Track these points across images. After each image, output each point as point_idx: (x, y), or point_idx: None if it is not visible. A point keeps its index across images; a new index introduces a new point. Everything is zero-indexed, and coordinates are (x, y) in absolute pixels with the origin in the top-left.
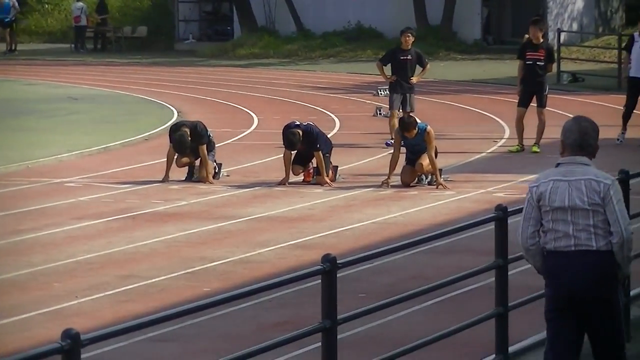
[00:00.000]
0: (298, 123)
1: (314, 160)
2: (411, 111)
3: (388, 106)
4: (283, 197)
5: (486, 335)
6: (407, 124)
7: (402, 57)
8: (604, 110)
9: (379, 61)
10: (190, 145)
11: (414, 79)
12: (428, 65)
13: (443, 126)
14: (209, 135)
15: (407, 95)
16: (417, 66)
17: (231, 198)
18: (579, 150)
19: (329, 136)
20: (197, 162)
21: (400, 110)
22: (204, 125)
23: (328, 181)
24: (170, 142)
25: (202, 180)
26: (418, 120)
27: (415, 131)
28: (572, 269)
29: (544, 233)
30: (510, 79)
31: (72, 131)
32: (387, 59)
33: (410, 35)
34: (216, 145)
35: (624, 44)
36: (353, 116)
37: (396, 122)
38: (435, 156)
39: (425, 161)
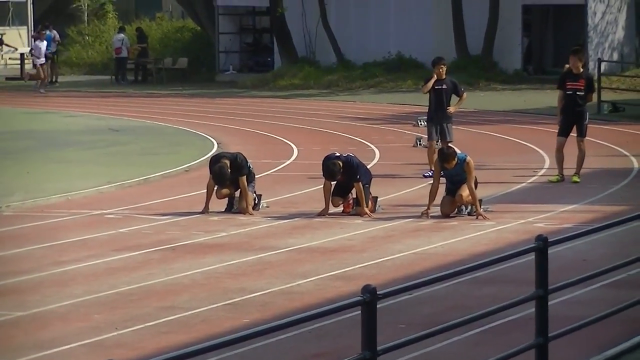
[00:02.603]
0: (338, 154)
1: (353, 191)
2: (450, 141)
3: (427, 137)
4: (323, 228)
5: None
6: (446, 155)
7: (437, 87)
8: None
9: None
10: (230, 177)
11: (452, 109)
12: (464, 94)
13: (483, 156)
14: (249, 167)
15: (445, 125)
16: (454, 95)
17: (271, 229)
18: None
19: (368, 167)
20: (237, 194)
21: (439, 141)
22: (244, 157)
23: (368, 212)
24: (210, 173)
25: (242, 211)
26: (458, 151)
27: (454, 162)
28: None
29: None
30: (550, 109)
31: (113, 163)
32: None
33: (444, 65)
34: (256, 177)
35: None
36: (393, 147)
37: (435, 152)
38: (475, 187)
39: (465, 192)
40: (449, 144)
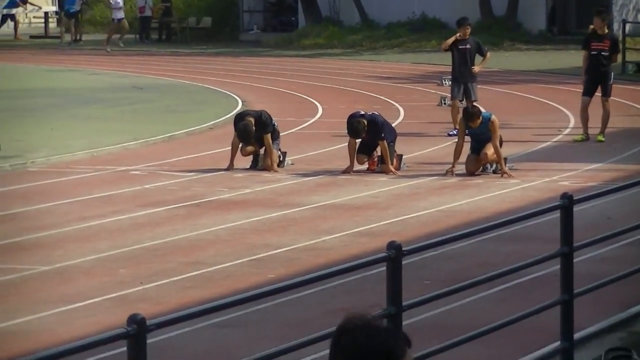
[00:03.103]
0: (363, 112)
1: (378, 149)
2: (475, 100)
3: (450, 96)
4: (347, 185)
5: (551, 323)
6: (471, 114)
7: (461, 47)
8: None
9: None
10: (254, 134)
11: (476, 68)
12: (488, 54)
13: (508, 115)
14: (274, 124)
15: (469, 84)
16: (478, 55)
17: (295, 186)
18: None
19: (393, 125)
20: (262, 151)
21: (464, 100)
22: (269, 114)
23: (393, 170)
24: (235, 131)
25: (267, 168)
26: (482, 110)
27: (479, 120)
28: None
29: None
30: (575, 69)
31: (138, 120)
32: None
33: (469, 26)
34: (281, 134)
35: None
36: (417, 106)
37: (459, 111)
38: (500, 145)
39: (490, 150)
40: (474, 103)
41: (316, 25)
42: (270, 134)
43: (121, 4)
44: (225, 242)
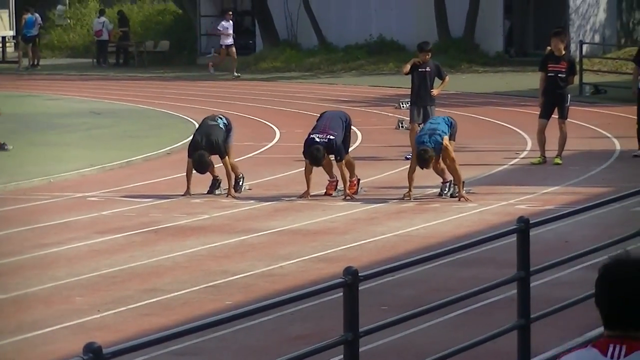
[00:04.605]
0: (318, 139)
1: (338, 174)
2: None
3: (409, 119)
4: (305, 210)
5: (508, 347)
6: (424, 159)
7: (421, 70)
8: (626, 121)
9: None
10: (210, 163)
11: (435, 92)
12: (447, 77)
13: (465, 139)
14: (228, 127)
15: (428, 107)
16: (437, 79)
17: (253, 211)
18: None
19: (350, 150)
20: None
21: (422, 124)
22: (220, 130)
23: (349, 193)
24: (189, 157)
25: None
26: (440, 133)
27: (432, 162)
28: None
29: None
30: (532, 91)
31: (95, 146)
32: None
33: (429, 52)
34: (238, 159)
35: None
36: (375, 129)
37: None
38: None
39: (441, 165)
40: (427, 149)
41: (274, 48)
42: (227, 157)
43: (230, 29)
44: (182, 268)
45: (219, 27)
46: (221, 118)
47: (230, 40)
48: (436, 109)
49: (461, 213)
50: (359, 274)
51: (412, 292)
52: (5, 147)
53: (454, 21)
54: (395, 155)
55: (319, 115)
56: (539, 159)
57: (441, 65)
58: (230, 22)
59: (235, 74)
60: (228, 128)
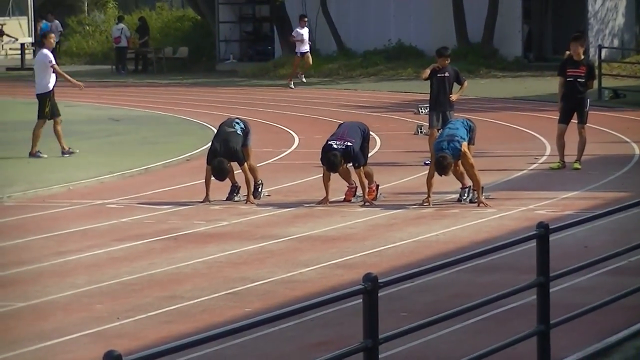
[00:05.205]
0: (335, 146)
1: (357, 180)
2: None
3: (428, 124)
4: (324, 216)
5: (528, 354)
6: (443, 166)
7: (439, 75)
8: None
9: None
10: (229, 170)
11: (454, 97)
12: (466, 82)
13: (484, 144)
14: (246, 131)
15: (447, 112)
16: (455, 84)
17: (272, 218)
18: None
19: (369, 155)
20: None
21: (441, 129)
22: (238, 136)
23: (368, 199)
24: (208, 165)
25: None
26: (458, 139)
27: (450, 172)
28: None
29: None
30: (551, 96)
31: (113, 152)
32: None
33: (448, 57)
34: (258, 165)
35: None
36: (394, 135)
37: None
38: (472, 167)
39: (460, 168)
40: (446, 155)
41: (293, 54)
42: (245, 163)
43: (305, 36)
44: (202, 275)
45: (293, 34)
46: (238, 123)
47: (305, 48)
48: (455, 114)
49: (480, 219)
50: (379, 281)
51: (431, 298)
52: (70, 152)
53: (472, 26)
54: (414, 161)
55: (338, 122)
56: (558, 164)
57: (460, 70)
58: (306, 28)
59: (304, 79)
60: (245, 131)
